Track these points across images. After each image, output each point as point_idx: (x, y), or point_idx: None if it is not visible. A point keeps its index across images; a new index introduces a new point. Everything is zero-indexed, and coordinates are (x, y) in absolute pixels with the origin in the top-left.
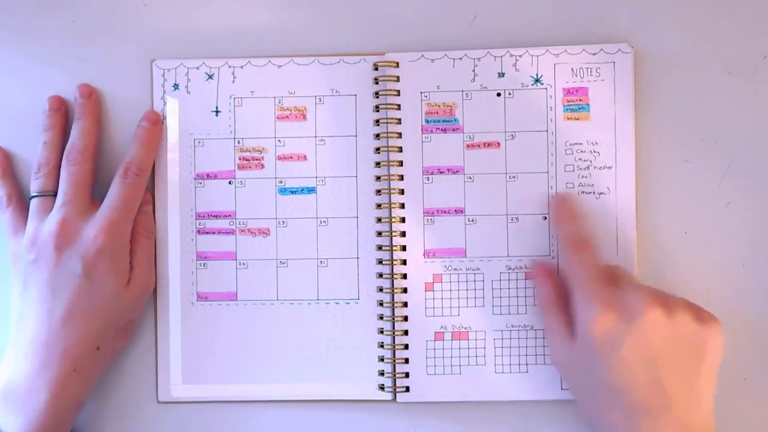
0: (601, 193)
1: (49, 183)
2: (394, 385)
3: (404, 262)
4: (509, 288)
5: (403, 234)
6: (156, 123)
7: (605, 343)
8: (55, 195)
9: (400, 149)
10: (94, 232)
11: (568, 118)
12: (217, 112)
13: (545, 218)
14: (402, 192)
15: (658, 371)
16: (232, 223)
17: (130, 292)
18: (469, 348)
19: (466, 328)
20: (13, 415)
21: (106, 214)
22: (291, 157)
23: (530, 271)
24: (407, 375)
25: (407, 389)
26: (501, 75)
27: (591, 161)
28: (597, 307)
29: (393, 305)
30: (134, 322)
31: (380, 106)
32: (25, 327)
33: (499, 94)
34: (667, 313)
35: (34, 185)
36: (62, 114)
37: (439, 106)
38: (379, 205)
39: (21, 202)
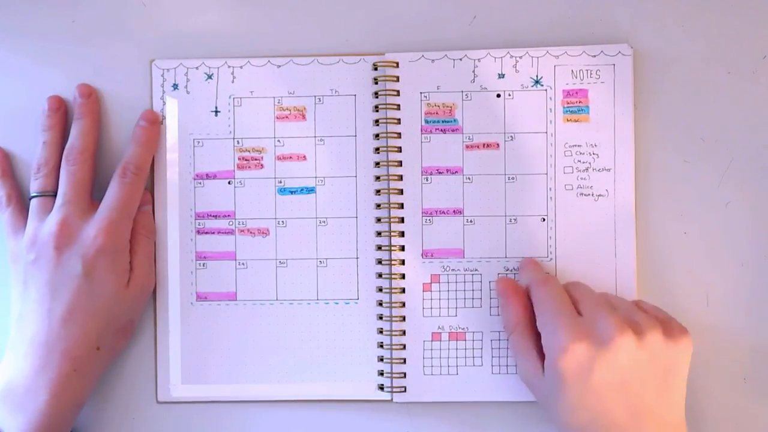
0: (600, 195)
1: (49, 183)
2: (393, 385)
3: (403, 263)
4: None
5: (402, 234)
6: (154, 122)
7: (575, 374)
8: (55, 195)
9: (400, 149)
10: (94, 232)
11: (567, 120)
12: (216, 112)
13: (543, 219)
14: (401, 192)
15: (630, 393)
16: (231, 223)
17: (130, 292)
18: (466, 348)
19: (463, 328)
20: (13, 416)
21: (105, 214)
22: (290, 157)
23: (497, 287)
24: (404, 375)
25: (404, 389)
26: (501, 76)
27: (590, 163)
28: (565, 338)
29: (391, 305)
30: (134, 322)
31: (380, 107)
32: (25, 327)
33: (498, 95)
34: (637, 336)
35: (34, 185)
36: (61, 114)
37: (438, 106)
38: (378, 205)
39: (21, 202)
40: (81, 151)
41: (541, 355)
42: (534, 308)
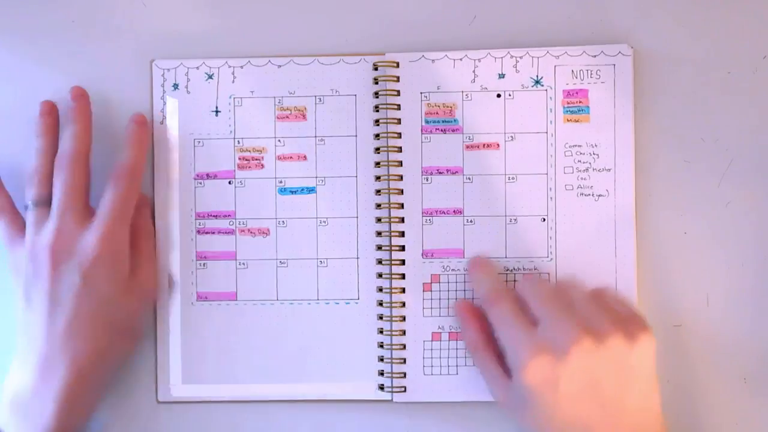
0: (600, 195)
1: (44, 191)
2: (393, 385)
3: (403, 263)
4: None
5: (402, 234)
6: (142, 124)
7: (541, 387)
8: (51, 203)
9: (400, 149)
10: (91, 241)
11: (567, 120)
12: (217, 112)
13: (544, 219)
14: (401, 192)
15: (600, 399)
16: (231, 223)
17: (133, 297)
18: (466, 348)
19: None
20: (21, 427)
21: (101, 221)
22: (291, 157)
23: (455, 310)
24: (405, 375)
25: (405, 389)
26: (501, 76)
27: (590, 163)
28: (526, 354)
29: (392, 305)
30: (140, 327)
31: (380, 106)
32: (30, 338)
33: (499, 95)
34: (596, 340)
35: (29, 194)
36: (53, 118)
37: (438, 106)
38: (378, 205)
39: (14, 211)
40: (73, 156)
41: (506, 370)
42: (493, 325)
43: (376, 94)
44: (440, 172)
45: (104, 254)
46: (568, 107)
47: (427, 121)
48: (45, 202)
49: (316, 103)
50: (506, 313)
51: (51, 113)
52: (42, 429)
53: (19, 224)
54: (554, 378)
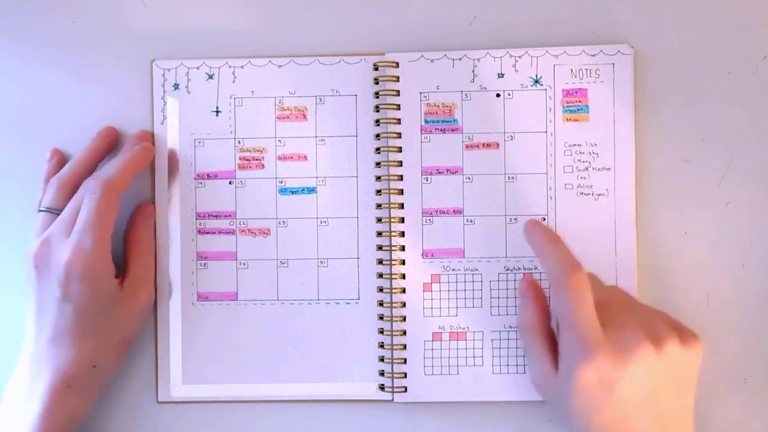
0: (600, 195)
1: (61, 202)
2: (393, 385)
3: (403, 263)
4: (507, 289)
5: (402, 234)
6: (146, 149)
7: (596, 388)
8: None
9: (400, 149)
10: (65, 257)
11: (567, 119)
12: (217, 112)
13: (544, 219)
14: (401, 192)
15: (652, 406)
16: (232, 223)
17: (122, 310)
18: (466, 348)
19: (464, 328)
20: (10, 427)
21: (77, 237)
22: (291, 157)
23: (520, 286)
24: (405, 375)
25: (405, 389)
26: (500, 76)
27: (590, 162)
28: (588, 351)
29: (392, 305)
30: (134, 337)
31: (380, 106)
32: (26, 339)
33: (498, 95)
34: (656, 347)
35: (48, 199)
36: (106, 144)
37: (438, 106)
38: (379, 205)
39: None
40: (113, 184)
41: (555, 357)
42: (554, 309)
43: (377, 94)
44: (440, 172)
45: (79, 272)
46: (567, 106)
47: (426, 121)
48: (59, 211)
49: (316, 103)
50: (580, 293)
51: (107, 137)
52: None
53: None
54: (611, 380)
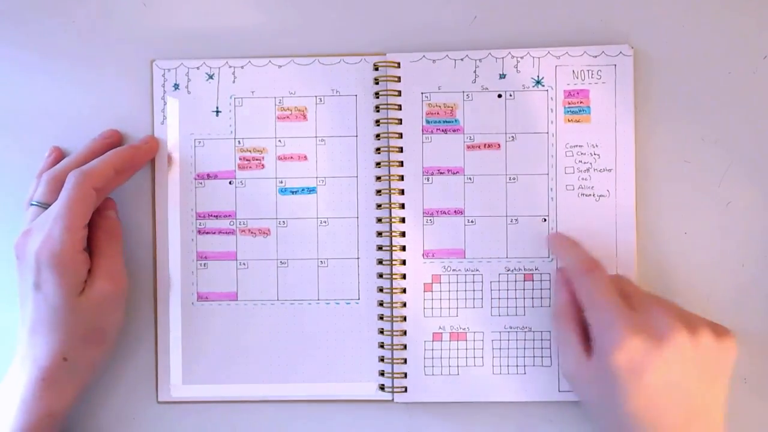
0: (601, 196)
1: (51, 197)
2: (393, 385)
3: (404, 263)
4: (508, 289)
5: (403, 234)
6: (135, 147)
7: (628, 370)
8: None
9: (401, 150)
10: (36, 245)
11: (568, 120)
12: (217, 112)
13: (545, 220)
14: (402, 192)
15: (682, 395)
16: (232, 223)
17: (87, 301)
18: (467, 349)
19: (464, 329)
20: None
21: (48, 226)
22: (291, 157)
23: (557, 275)
24: (405, 375)
25: (405, 389)
26: (502, 76)
27: (591, 163)
28: (620, 333)
29: (392, 305)
30: (106, 331)
31: (381, 107)
32: (18, 331)
33: (500, 96)
34: (691, 334)
35: (38, 193)
36: (105, 145)
37: (439, 106)
38: (379, 206)
39: None
40: (93, 175)
41: (586, 347)
42: (580, 298)
43: (377, 95)
44: (441, 173)
45: (47, 260)
46: (569, 107)
47: (428, 122)
48: (47, 205)
49: (316, 104)
50: (603, 283)
51: (108, 138)
52: (9, 422)
53: None
54: (642, 366)
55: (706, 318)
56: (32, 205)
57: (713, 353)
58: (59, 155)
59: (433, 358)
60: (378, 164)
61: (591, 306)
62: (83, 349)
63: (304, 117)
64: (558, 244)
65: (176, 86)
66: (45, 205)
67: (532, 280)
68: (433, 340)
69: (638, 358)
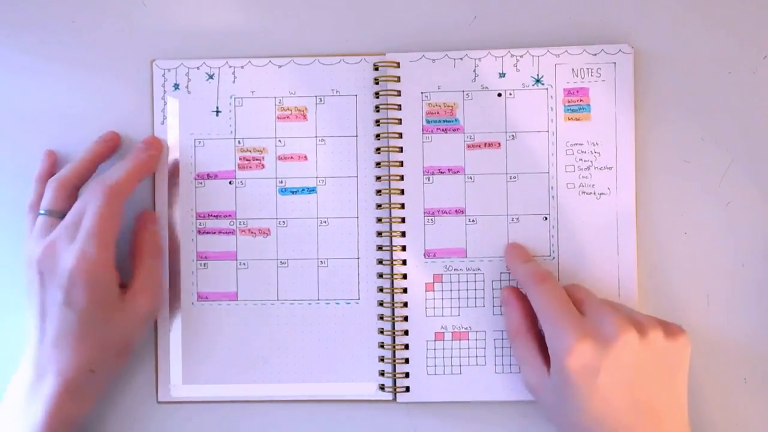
0: (602, 194)
1: (64, 205)
2: (395, 385)
3: (404, 262)
4: None
5: (404, 234)
6: (153, 146)
7: (581, 374)
8: (62, 217)
9: (401, 149)
10: (69, 263)
11: (568, 119)
12: (217, 112)
13: (545, 218)
14: (402, 192)
15: (635, 393)
16: (232, 223)
17: (125, 317)
18: (469, 348)
19: (466, 328)
20: (12, 429)
21: (81, 243)
22: (291, 157)
23: (501, 295)
24: (407, 375)
25: (407, 389)
26: (502, 75)
27: (591, 161)
28: (571, 338)
29: (393, 305)
30: (134, 344)
31: (381, 107)
32: (29, 341)
33: (499, 95)
34: (640, 333)
35: (47, 202)
36: (108, 148)
37: (439, 106)
38: (379, 205)
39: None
40: (118, 188)
41: (546, 358)
42: (534, 310)
43: (377, 94)
44: (441, 172)
45: (82, 278)
46: (568, 106)
47: (428, 121)
48: (59, 214)
49: (316, 104)
50: (552, 294)
51: (109, 141)
52: None
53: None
54: (595, 367)
55: (660, 319)
56: (41, 214)
57: (665, 351)
58: (54, 160)
59: (435, 357)
60: (378, 164)
61: (544, 316)
62: (111, 360)
63: (304, 117)
64: (512, 256)
65: (176, 86)
66: (55, 213)
67: None
68: (435, 340)
69: (590, 361)
